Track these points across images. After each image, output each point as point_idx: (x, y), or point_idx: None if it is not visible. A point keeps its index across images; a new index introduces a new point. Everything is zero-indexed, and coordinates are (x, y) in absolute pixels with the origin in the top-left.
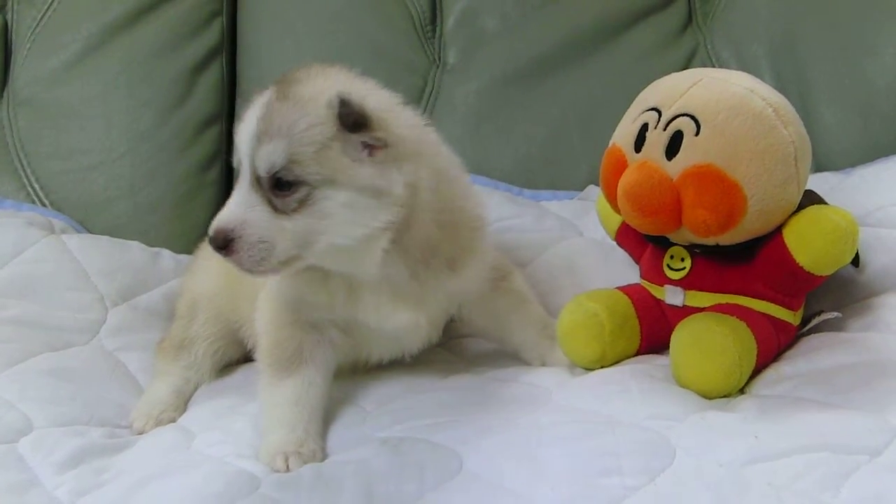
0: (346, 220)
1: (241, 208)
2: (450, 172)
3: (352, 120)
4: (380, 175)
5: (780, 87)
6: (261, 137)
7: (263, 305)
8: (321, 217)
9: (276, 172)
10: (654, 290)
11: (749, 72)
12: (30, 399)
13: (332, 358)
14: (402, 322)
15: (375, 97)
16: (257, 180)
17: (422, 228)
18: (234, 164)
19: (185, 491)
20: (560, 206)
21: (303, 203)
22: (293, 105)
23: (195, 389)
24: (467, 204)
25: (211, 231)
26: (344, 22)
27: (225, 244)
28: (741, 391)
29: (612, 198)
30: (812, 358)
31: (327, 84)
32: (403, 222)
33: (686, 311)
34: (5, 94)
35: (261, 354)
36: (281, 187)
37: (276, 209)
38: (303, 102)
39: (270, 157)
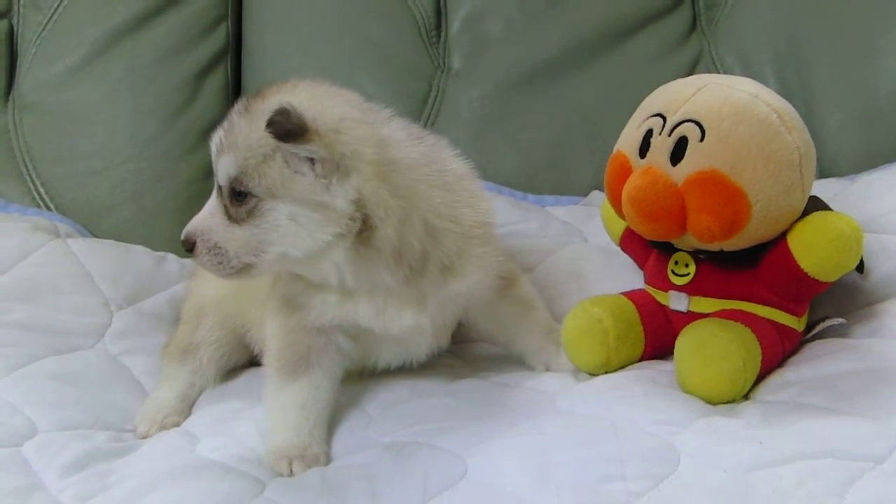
0: (291, 232)
1: (205, 215)
2: (445, 181)
3: (282, 130)
4: (321, 189)
5: (785, 92)
6: (220, 148)
7: (272, 309)
8: (269, 228)
9: (231, 183)
10: (659, 296)
11: (753, 77)
12: (34, 403)
13: (340, 363)
14: (405, 325)
15: (335, 111)
16: (220, 189)
17: (390, 239)
18: None
19: (189, 495)
20: (564, 212)
21: (251, 213)
22: (249, 117)
23: (200, 394)
24: (465, 211)
25: (182, 235)
26: (349, 27)
27: (190, 247)
28: (745, 397)
29: (616, 203)
30: (816, 364)
31: (289, 97)
32: (365, 233)
33: (690, 317)
34: (11, 99)
35: (269, 358)
36: (236, 197)
37: (230, 217)
38: (257, 115)
39: (225, 167)
